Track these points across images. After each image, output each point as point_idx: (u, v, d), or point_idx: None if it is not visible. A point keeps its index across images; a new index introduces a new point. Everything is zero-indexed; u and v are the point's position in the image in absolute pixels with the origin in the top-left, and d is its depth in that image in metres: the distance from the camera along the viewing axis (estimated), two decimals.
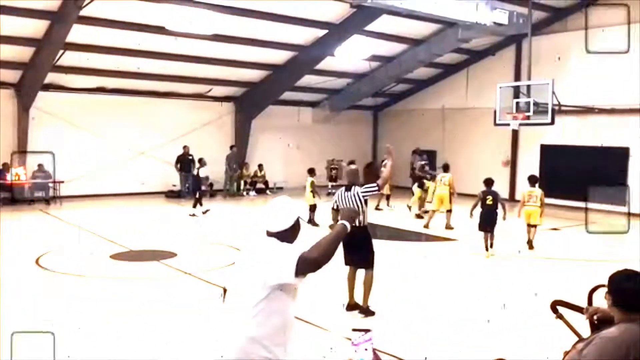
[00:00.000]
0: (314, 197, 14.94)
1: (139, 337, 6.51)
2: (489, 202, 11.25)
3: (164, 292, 8.38)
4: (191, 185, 17.46)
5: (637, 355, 2.86)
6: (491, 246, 11.27)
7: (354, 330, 2.71)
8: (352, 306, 7.44)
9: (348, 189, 7.38)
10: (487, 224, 11.28)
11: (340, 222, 3.31)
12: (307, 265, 3.08)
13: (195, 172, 16.53)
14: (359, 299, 7.42)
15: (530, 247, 11.87)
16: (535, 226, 11.87)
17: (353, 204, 7.16)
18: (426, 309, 7.84)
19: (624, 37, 16.66)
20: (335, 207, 7.84)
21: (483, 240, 11.32)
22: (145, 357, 5.93)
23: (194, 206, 15.91)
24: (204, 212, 15.82)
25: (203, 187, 16.67)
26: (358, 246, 7.06)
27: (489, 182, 11.66)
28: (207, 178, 17.50)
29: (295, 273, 3.07)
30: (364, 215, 7.18)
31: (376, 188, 7.16)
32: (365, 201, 7.24)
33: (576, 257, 11.10)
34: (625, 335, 2.92)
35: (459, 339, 6.63)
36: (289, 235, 3.33)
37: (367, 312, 7.32)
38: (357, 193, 7.23)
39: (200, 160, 16.46)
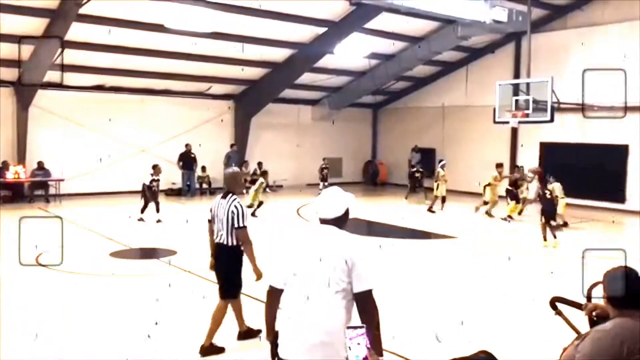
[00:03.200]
0: (256, 196, 15.30)
1: (139, 335, 6.51)
2: (548, 196, 12.36)
3: (163, 290, 8.38)
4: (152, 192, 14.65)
5: (631, 348, 2.87)
6: (554, 236, 12.09)
7: (348, 327, 2.73)
8: (206, 349, 5.86)
9: (224, 196, 5.92)
10: (552, 214, 12.39)
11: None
12: (369, 299, 3.30)
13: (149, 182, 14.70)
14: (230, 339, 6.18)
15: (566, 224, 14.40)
16: None
17: (224, 217, 5.79)
18: (422, 305, 7.85)
19: (625, 35, 16.70)
20: (210, 217, 6.09)
21: (549, 231, 12.09)
22: (145, 355, 5.93)
23: (157, 210, 14.52)
24: (139, 219, 14.34)
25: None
26: (223, 270, 5.96)
27: (541, 178, 13.35)
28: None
29: (367, 287, 3.30)
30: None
31: (242, 225, 5.79)
32: (242, 214, 5.80)
33: (575, 254, 11.10)
34: (619, 328, 2.94)
35: (455, 334, 6.64)
36: (342, 221, 3.51)
37: (246, 334, 6.20)
38: (234, 204, 5.81)
39: (155, 167, 15.06)
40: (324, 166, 21.83)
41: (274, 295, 3.51)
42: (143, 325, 6.83)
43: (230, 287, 5.96)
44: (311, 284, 3.29)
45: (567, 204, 14.72)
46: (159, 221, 14.29)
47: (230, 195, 5.91)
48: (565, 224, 14.34)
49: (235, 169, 6.78)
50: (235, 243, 5.86)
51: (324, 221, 3.49)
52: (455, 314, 7.49)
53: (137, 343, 6.24)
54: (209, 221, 6.10)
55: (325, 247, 3.35)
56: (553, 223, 12.35)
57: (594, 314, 3.51)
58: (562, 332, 3.95)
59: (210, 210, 6.05)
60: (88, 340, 6.31)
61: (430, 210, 16.83)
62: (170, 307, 7.49)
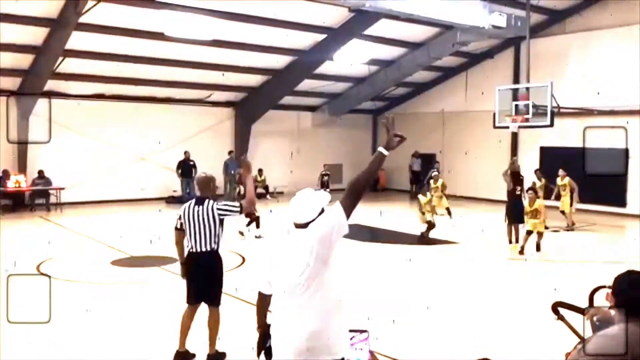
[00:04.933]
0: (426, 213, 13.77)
1: (140, 343, 6.51)
2: (518, 192, 11.23)
3: (165, 298, 8.37)
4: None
5: (637, 354, 2.86)
6: (517, 240, 11.10)
7: (350, 330, 2.74)
8: (181, 354, 5.86)
9: (199, 202, 5.74)
10: (517, 215, 11.01)
11: (378, 149, 3.27)
12: (351, 194, 3.24)
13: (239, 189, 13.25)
14: (198, 346, 5.97)
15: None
16: None
17: (205, 223, 5.63)
18: (424, 310, 7.83)
19: (625, 39, 16.73)
20: (178, 226, 5.87)
21: (513, 234, 11.33)
22: None
23: (258, 226, 13.40)
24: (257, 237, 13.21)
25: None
26: (203, 275, 5.77)
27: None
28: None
29: (346, 214, 3.22)
30: (217, 239, 5.70)
31: (238, 209, 5.64)
32: (221, 221, 5.69)
33: (576, 259, 11.09)
34: (624, 334, 2.93)
35: (458, 340, 6.62)
36: None
37: (216, 357, 5.89)
38: (212, 209, 5.64)
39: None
40: (324, 173, 21.77)
41: (263, 300, 3.60)
42: (144, 333, 6.82)
43: (219, 293, 5.83)
44: (293, 288, 3.29)
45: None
46: (258, 237, 12.53)
47: (207, 200, 5.74)
48: (571, 227, 14.61)
49: (208, 173, 6.38)
50: (216, 248, 5.70)
51: (298, 226, 3.38)
52: (456, 318, 7.48)
53: (137, 351, 6.23)
54: (177, 229, 5.89)
55: (301, 247, 3.30)
56: (524, 226, 11.25)
57: (595, 318, 3.50)
58: (564, 337, 3.95)
59: (180, 218, 5.83)
60: (87, 348, 6.30)
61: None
62: (171, 315, 7.47)
